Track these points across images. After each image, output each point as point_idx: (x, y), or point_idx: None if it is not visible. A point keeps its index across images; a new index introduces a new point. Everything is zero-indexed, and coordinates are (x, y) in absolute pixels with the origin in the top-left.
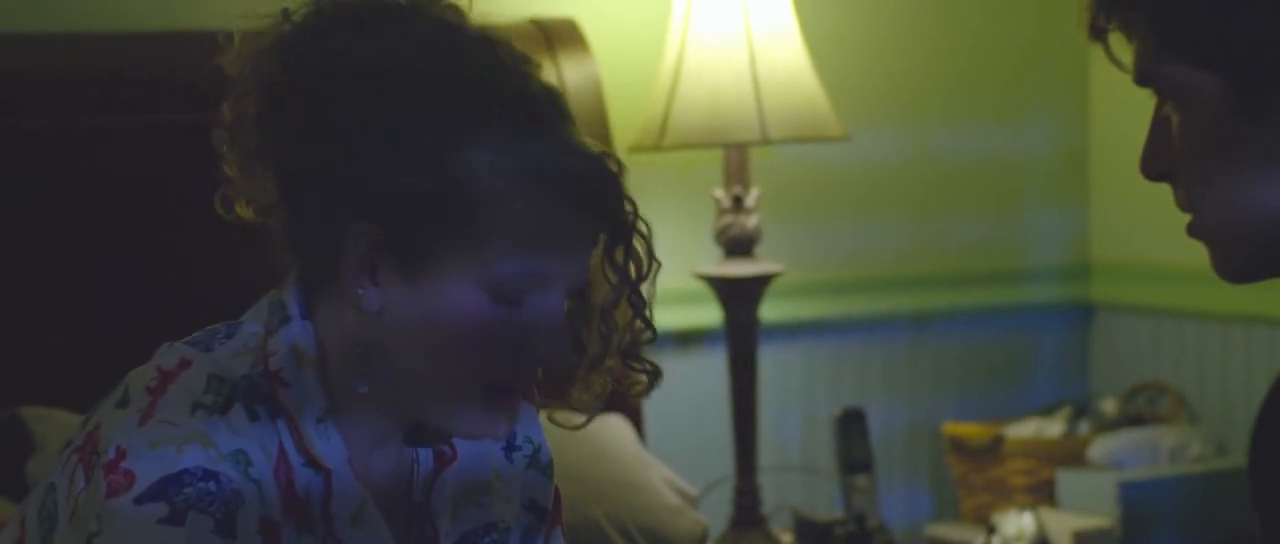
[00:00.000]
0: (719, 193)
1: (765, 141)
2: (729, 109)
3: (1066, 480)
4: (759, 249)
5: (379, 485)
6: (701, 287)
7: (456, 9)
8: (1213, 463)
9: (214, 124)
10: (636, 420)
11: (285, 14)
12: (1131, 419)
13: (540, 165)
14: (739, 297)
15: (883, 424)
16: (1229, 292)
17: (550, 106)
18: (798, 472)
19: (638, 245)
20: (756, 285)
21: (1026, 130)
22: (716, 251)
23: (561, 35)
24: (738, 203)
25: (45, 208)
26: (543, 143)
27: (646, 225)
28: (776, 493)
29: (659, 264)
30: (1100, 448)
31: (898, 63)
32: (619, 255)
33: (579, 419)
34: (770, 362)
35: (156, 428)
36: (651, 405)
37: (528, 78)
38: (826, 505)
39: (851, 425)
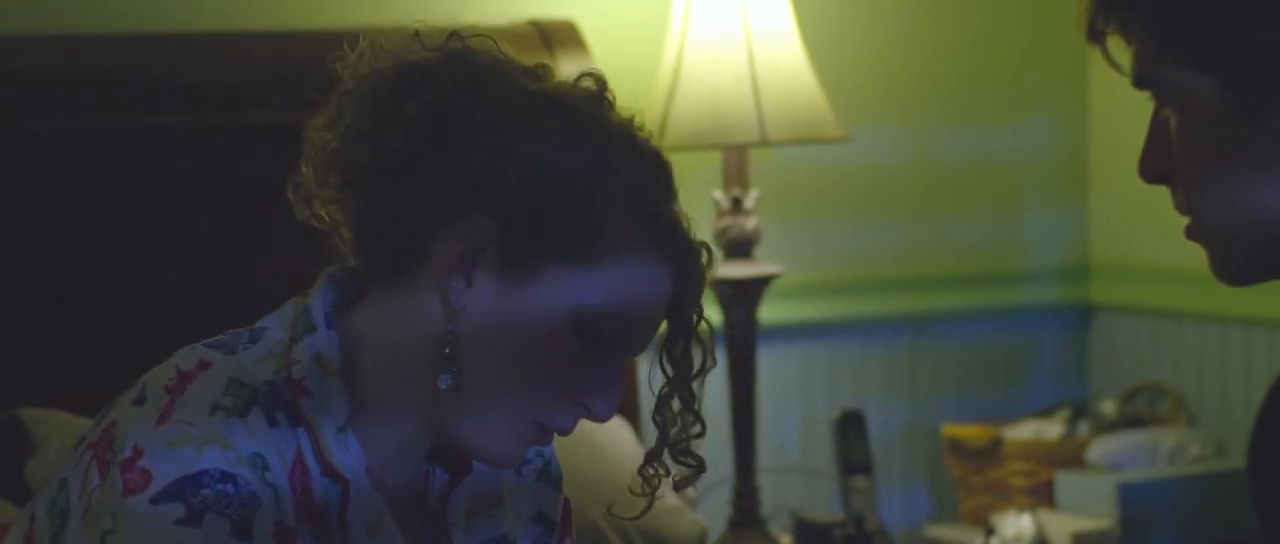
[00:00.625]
0: (718, 194)
1: (764, 143)
2: (728, 110)
3: (1065, 482)
4: (758, 250)
5: (395, 495)
6: None
7: (601, 80)
8: (1212, 464)
9: (309, 121)
10: (635, 422)
11: (417, 36)
12: (1130, 420)
13: (659, 224)
14: (738, 298)
15: (882, 425)
16: (1228, 293)
17: (674, 185)
18: (797, 473)
19: (697, 344)
20: (755, 287)
21: (1026, 132)
22: (715, 253)
23: (560, 36)
24: (737, 204)
25: (44, 209)
26: (667, 206)
27: (710, 326)
28: (775, 494)
29: (714, 363)
30: (1099, 449)
31: (897, 64)
32: (679, 350)
33: (639, 508)
34: (769, 363)
35: (175, 428)
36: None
37: (661, 152)
38: (825, 507)
39: (850, 427)
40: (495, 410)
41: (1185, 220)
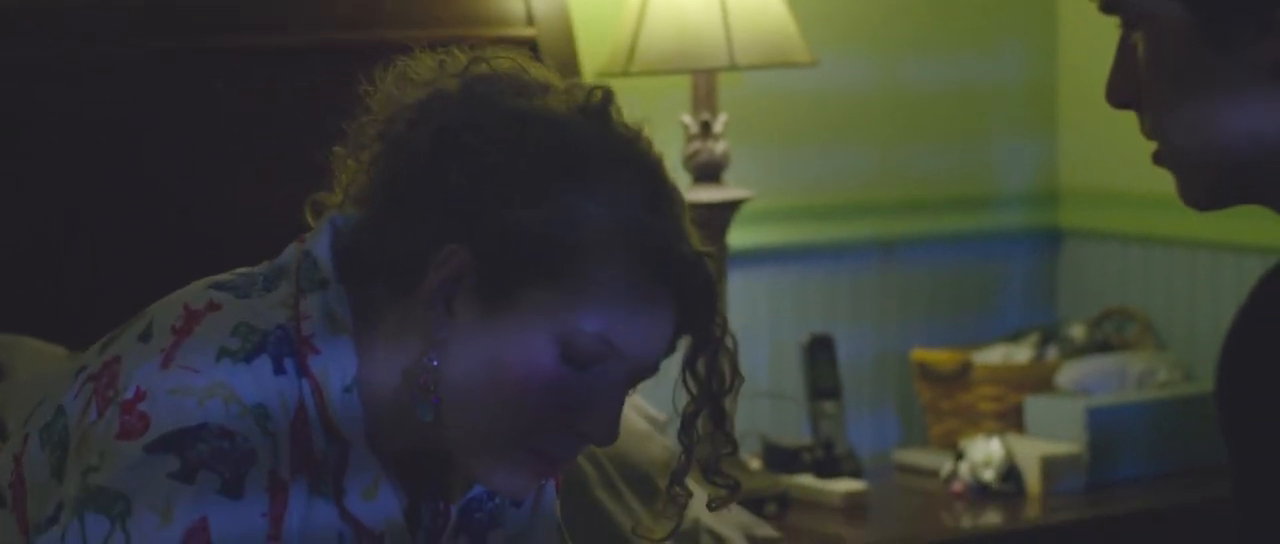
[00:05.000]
0: (687, 118)
1: (733, 67)
2: (697, 35)
3: (1034, 406)
4: (727, 175)
5: (394, 456)
6: None
7: (606, 93)
8: (1180, 388)
9: (345, 131)
10: None
11: (441, 64)
12: (1099, 345)
13: (646, 240)
14: (707, 222)
15: (851, 350)
16: (1196, 218)
17: (672, 196)
18: (766, 398)
19: (723, 359)
20: (724, 211)
21: (995, 57)
22: (684, 177)
23: None
24: (706, 129)
25: (11, 140)
26: (656, 220)
27: (734, 340)
28: (745, 419)
29: (742, 379)
30: (1068, 374)
31: None
32: (701, 366)
33: (666, 530)
34: (738, 288)
35: (179, 374)
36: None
37: (658, 165)
38: (794, 431)
39: (819, 352)
40: (489, 440)
41: (1153, 146)
